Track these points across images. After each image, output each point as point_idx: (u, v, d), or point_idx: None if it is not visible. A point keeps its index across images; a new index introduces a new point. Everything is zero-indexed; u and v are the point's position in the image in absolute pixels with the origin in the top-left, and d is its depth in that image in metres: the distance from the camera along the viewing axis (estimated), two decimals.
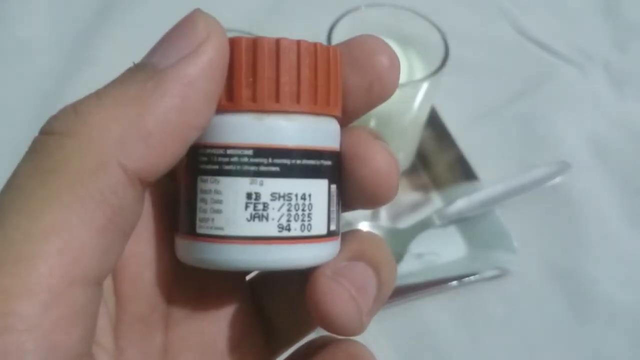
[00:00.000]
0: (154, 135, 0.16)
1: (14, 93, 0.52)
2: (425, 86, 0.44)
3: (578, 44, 0.63)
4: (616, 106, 0.59)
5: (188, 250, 0.20)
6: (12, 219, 0.15)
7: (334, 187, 0.20)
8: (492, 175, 0.50)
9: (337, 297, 0.19)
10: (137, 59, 0.18)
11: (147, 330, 0.21)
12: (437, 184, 0.51)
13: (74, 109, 0.17)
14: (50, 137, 0.16)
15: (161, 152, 0.17)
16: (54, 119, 0.17)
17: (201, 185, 0.19)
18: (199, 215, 0.19)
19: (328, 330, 0.20)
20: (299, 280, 0.20)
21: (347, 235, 0.21)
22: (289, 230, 0.19)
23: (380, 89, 0.20)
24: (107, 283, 0.20)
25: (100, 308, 0.18)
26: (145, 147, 0.16)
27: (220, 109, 0.19)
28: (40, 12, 0.59)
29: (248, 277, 0.24)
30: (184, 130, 0.17)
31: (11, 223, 0.15)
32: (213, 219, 0.19)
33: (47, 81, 0.52)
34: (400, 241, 0.46)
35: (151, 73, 0.17)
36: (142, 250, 0.20)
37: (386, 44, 0.20)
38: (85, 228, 0.15)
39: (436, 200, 0.50)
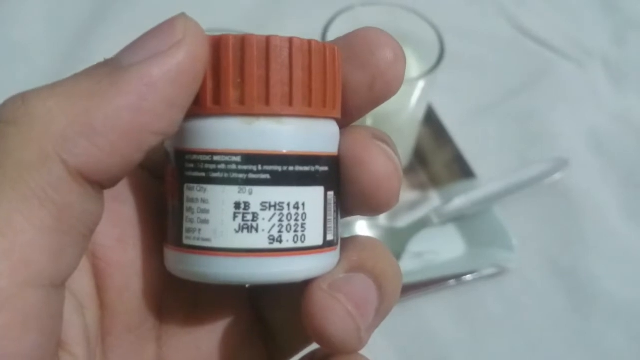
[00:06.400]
0: (100, 133, 0.15)
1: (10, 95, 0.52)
2: (421, 84, 0.44)
3: (576, 39, 0.63)
4: (615, 101, 0.58)
5: (175, 262, 0.19)
6: None
7: (331, 194, 0.19)
8: (490, 172, 0.50)
9: (333, 313, 0.18)
10: None
11: (137, 343, 0.20)
12: (435, 182, 0.51)
13: (22, 97, 0.16)
14: None
15: (109, 152, 0.16)
16: (1, 106, 0.16)
17: (187, 194, 0.18)
18: (186, 225, 0.18)
19: (324, 348, 0.19)
20: (303, 286, 0.19)
21: (347, 243, 0.20)
22: (280, 242, 0.18)
23: (383, 85, 0.19)
24: (87, 292, 0.19)
25: (71, 316, 0.17)
26: (89, 144, 0.15)
27: (207, 113, 0.18)
28: (36, 14, 0.59)
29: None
30: (139, 132, 0.16)
31: None
32: (200, 230, 0.18)
33: (44, 83, 0.52)
34: (398, 240, 0.45)
35: (113, 69, 0.16)
36: (129, 259, 0.19)
37: (389, 37, 0.19)
38: (31, 227, 0.15)
39: (434, 199, 0.50)
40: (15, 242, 0.14)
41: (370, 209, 0.19)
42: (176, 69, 0.16)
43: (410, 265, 0.45)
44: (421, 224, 0.46)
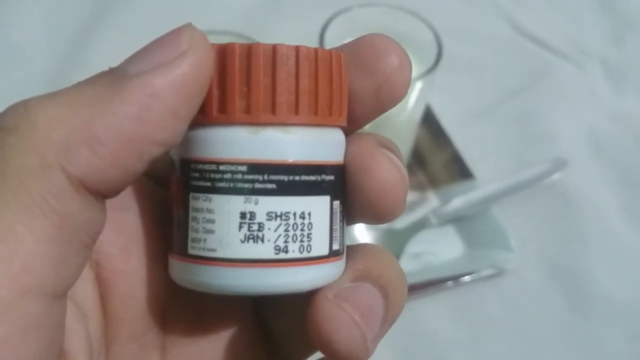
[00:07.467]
0: (102, 142, 0.15)
1: (7, 98, 0.52)
2: (419, 85, 0.44)
3: (575, 39, 0.63)
4: (614, 102, 0.58)
5: (180, 272, 0.19)
6: None
7: (336, 203, 0.19)
8: (489, 173, 0.50)
9: (340, 323, 0.18)
10: None
11: (141, 352, 0.20)
12: (433, 183, 0.51)
13: (25, 104, 0.16)
14: None
15: (111, 162, 0.15)
16: (3, 113, 0.16)
17: (193, 203, 0.18)
18: (191, 235, 0.18)
19: (331, 358, 0.19)
20: (308, 295, 0.19)
21: (352, 252, 0.20)
22: (286, 252, 0.18)
23: (389, 92, 0.19)
24: (91, 301, 0.19)
25: (74, 325, 0.17)
26: (90, 154, 0.15)
27: (213, 122, 0.17)
28: (36, 15, 0.59)
29: None
30: (141, 142, 0.16)
31: None
32: (205, 240, 0.18)
33: (42, 86, 0.52)
34: (396, 241, 0.45)
35: (117, 78, 0.16)
36: (133, 267, 0.19)
37: (395, 43, 0.19)
38: (32, 236, 0.15)
39: (432, 200, 0.50)
40: (16, 251, 0.14)
41: (375, 217, 0.19)
42: (180, 80, 0.16)
43: (408, 267, 0.45)
44: (420, 225, 0.46)
